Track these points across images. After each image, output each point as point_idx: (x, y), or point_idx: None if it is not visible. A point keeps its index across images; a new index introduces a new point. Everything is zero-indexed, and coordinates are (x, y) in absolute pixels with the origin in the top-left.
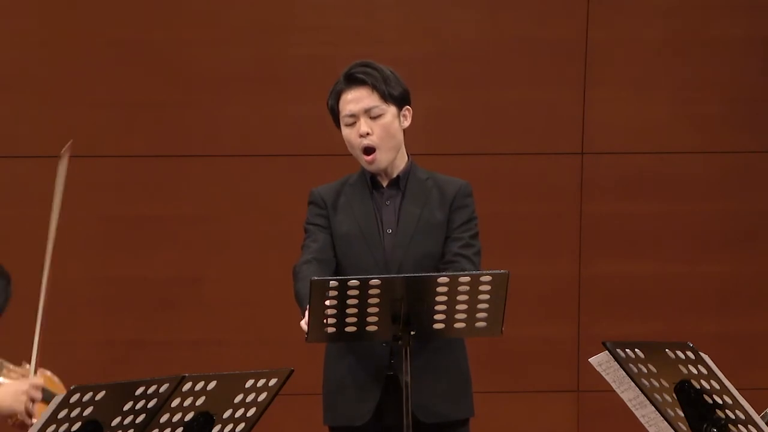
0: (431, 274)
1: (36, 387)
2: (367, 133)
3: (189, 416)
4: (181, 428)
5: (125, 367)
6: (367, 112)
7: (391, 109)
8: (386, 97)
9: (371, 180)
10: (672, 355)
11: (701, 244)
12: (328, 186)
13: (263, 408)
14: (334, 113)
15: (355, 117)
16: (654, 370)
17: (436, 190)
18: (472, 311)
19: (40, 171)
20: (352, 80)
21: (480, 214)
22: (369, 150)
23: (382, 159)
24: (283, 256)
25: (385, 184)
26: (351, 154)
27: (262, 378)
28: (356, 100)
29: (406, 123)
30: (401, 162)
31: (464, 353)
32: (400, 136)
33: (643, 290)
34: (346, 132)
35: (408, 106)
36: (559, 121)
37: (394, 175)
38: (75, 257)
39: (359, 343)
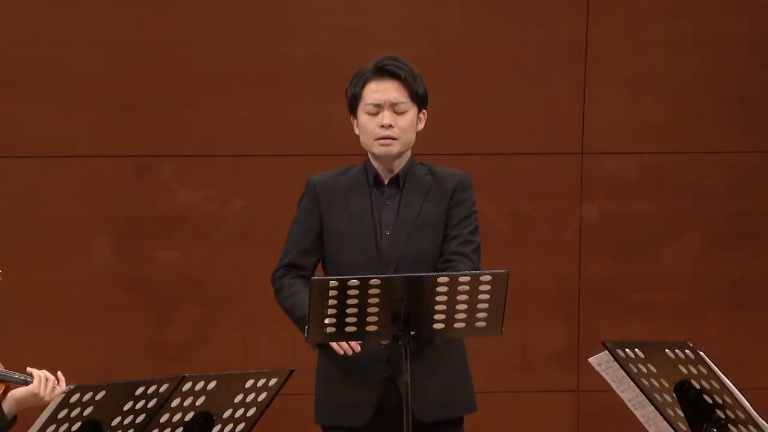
0: (431, 273)
1: None
2: (390, 125)
3: (189, 416)
4: (181, 428)
5: (125, 368)
6: (393, 105)
7: (414, 109)
8: (413, 96)
9: (374, 177)
10: (672, 355)
11: (702, 243)
12: (326, 176)
13: (263, 408)
14: (355, 100)
15: (379, 107)
16: (654, 370)
17: (435, 185)
18: (471, 311)
19: (40, 171)
20: (383, 71)
21: (480, 214)
22: (386, 139)
23: (395, 150)
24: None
25: (386, 182)
26: (351, 155)
27: (262, 378)
28: (384, 91)
29: (420, 126)
30: (404, 161)
31: (463, 352)
32: (414, 137)
33: (643, 290)
34: (366, 120)
35: (425, 110)
36: (559, 121)
37: (395, 173)
38: (74, 257)
39: (357, 342)
